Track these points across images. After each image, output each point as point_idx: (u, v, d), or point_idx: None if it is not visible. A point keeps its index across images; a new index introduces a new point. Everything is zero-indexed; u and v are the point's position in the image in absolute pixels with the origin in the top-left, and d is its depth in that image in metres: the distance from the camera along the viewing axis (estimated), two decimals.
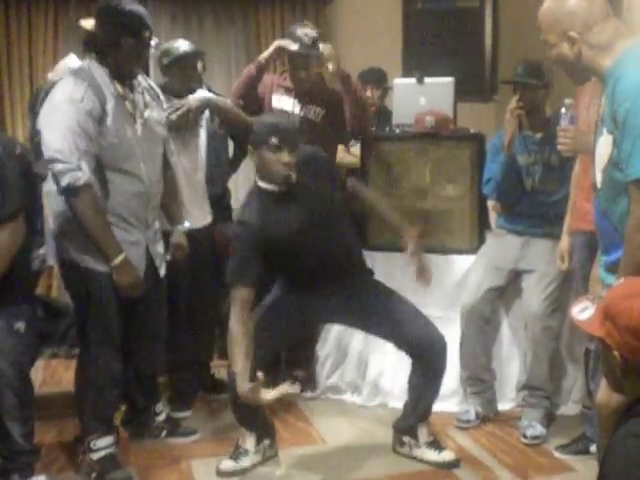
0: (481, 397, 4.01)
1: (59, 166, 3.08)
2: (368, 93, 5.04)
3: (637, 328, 1.83)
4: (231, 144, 4.61)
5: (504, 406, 4.11)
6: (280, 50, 4.19)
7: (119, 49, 3.21)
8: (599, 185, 2.39)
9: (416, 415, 3.58)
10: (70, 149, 3.07)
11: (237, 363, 3.12)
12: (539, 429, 3.75)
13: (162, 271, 3.51)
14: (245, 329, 3.16)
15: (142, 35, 3.25)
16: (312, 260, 3.35)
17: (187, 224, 3.73)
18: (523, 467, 3.48)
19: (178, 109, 3.83)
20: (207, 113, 4.10)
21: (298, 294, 3.47)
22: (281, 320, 3.44)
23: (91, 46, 3.33)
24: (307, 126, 4.20)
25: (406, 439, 3.60)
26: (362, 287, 3.50)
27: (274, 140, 3.20)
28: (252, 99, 4.26)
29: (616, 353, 1.87)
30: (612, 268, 2.39)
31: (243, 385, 3.06)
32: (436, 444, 3.58)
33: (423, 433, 3.57)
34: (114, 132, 3.19)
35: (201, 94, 4.02)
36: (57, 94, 3.19)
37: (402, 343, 3.48)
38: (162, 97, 3.60)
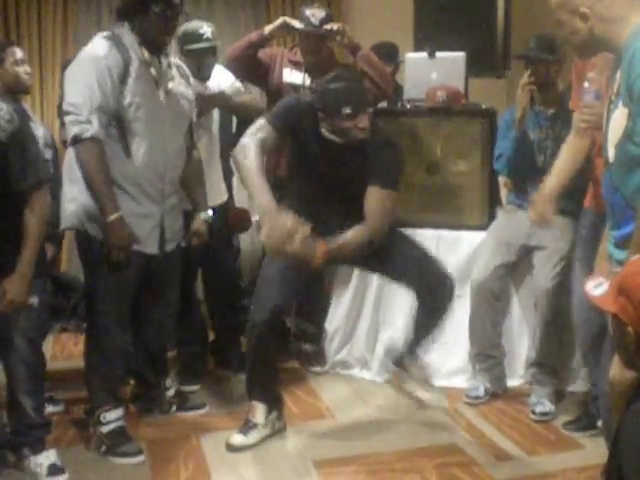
0: (490, 373, 4.00)
1: (70, 117, 3.13)
2: None
3: None
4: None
5: (513, 383, 4.11)
6: (285, 26, 4.17)
7: (148, 15, 3.23)
8: (611, 160, 2.36)
9: (415, 338, 3.64)
10: (84, 102, 3.10)
11: (257, 187, 3.10)
12: (548, 406, 3.75)
13: (170, 246, 3.49)
14: (259, 160, 3.17)
15: (172, 1, 3.25)
16: (326, 195, 3.39)
17: (210, 213, 3.71)
18: (531, 443, 3.48)
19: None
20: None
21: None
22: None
23: (123, 15, 3.32)
24: None
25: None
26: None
27: (348, 110, 3.21)
28: (248, 63, 4.25)
29: (630, 329, 1.86)
30: (622, 243, 2.37)
31: (271, 209, 3.03)
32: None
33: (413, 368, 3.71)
34: (135, 92, 3.20)
35: (217, 81, 4.06)
36: (82, 52, 3.24)
37: (410, 281, 3.49)
38: (191, 79, 3.61)
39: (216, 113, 4.10)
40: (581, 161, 3.30)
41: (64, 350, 4.85)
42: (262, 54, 4.31)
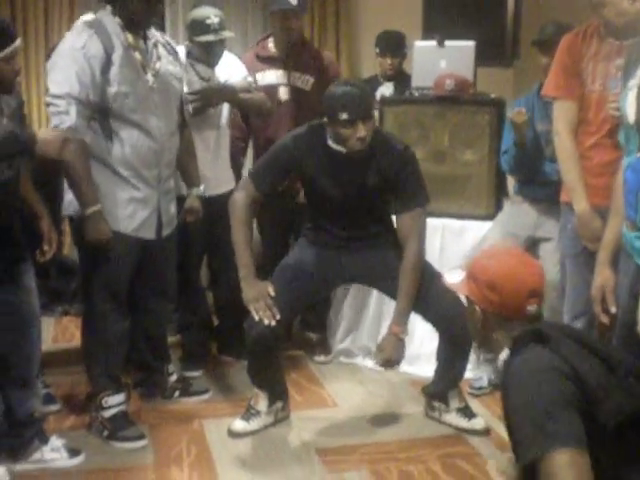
0: (493, 364, 3.98)
1: (50, 108, 3.11)
2: (388, 61, 4.98)
3: (492, 281, 2.14)
4: None
5: None
6: None
7: None
8: None
9: (446, 381, 3.58)
10: (61, 93, 3.07)
11: (238, 253, 3.33)
12: None
13: (166, 231, 3.46)
14: (245, 226, 3.37)
15: None
16: (339, 216, 3.41)
17: (202, 188, 3.68)
18: None
19: (198, 99, 3.81)
20: None
21: (323, 247, 3.47)
22: (304, 275, 3.43)
23: None
24: (297, 96, 4.17)
25: (436, 404, 3.61)
26: (390, 251, 3.46)
27: (344, 116, 3.14)
28: None
29: (477, 307, 2.19)
30: None
31: (250, 284, 3.29)
32: (467, 411, 3.57)
33: (454, 399, 3.57)
34: (120, 81, 3.15)
35: (228, 73, 4.03)
36: (62, 42, 3.21)
37: (427, 315, 3.45)
38: (180, 54, 3.57)
39: (225, 108, 4.05)
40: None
41: (66, 333, 4.83)
42: None
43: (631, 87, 2.54)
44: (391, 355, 3.34)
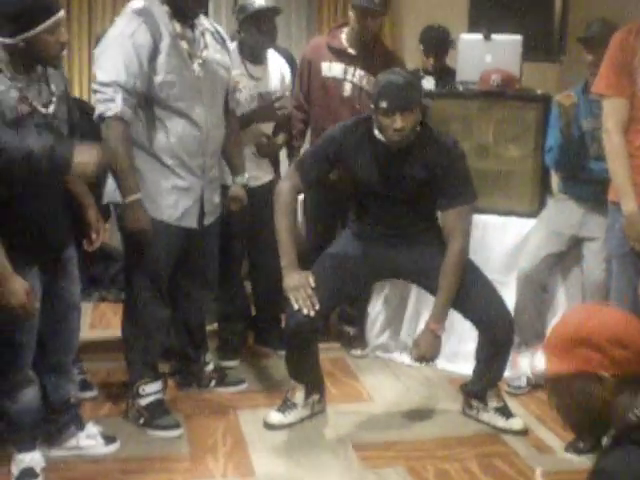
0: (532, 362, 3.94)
1: (97, 96, 3.12)
2: (431, 61, 4.96)
3: (616, 336, 1.73)
4: None
5: None
6: None
7: None
8: None
9: (485, 381, 3.54)
10: (108, 81, 3.07)
11: (281, 244, 3.32)
12: None
13: (208, 220, 3.46)
14: (289, 216, 3.35)
15: None
16: (384, 211, 3.39)
17: (247, 176, 3.67)
18: (572, 436, 3.42)
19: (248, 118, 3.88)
20: None
21: (367, 241, 3.45)
22: (346, 267, 3.41)
23: None
24: (359, 95, 4.13)
25: (475, 403, 3.58)
26: (434, 248, 3.43)
27: (383, 104, 3.13)
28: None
29: (604, 374, 1.73)
30: None
31: (291, 272, 3.27)
32: (505, 410, 3.54)
33: (492, 398, 3.54)
34: (167, 70, 3.15)
35: (280, 71, 4.10)
36: (111, 29, 3.21)
37: (468, 314, 3.42)
38: (228, 42, 3.55)
39: None
40: None
41: (103, 319, 4.86)
42: (308, 52, 4.28)
43: None
44: (427, 351, 3.33)
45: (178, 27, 3.21)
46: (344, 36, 4.20)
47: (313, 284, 3.26)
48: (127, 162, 3.11)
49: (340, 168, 3.49)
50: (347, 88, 4.14)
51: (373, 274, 3.58)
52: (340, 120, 3.98)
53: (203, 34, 3.34)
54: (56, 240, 2.89)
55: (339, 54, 4.18)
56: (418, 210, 3.43)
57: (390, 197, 3.35)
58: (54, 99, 2.80)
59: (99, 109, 3.09)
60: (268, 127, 4.09)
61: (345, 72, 4.15)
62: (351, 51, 4.16)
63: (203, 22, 3.39)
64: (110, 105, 3.07)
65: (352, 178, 3.44)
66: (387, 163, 3.29)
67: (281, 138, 4.22)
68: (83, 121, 3.11)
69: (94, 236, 3.15)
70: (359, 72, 4.13)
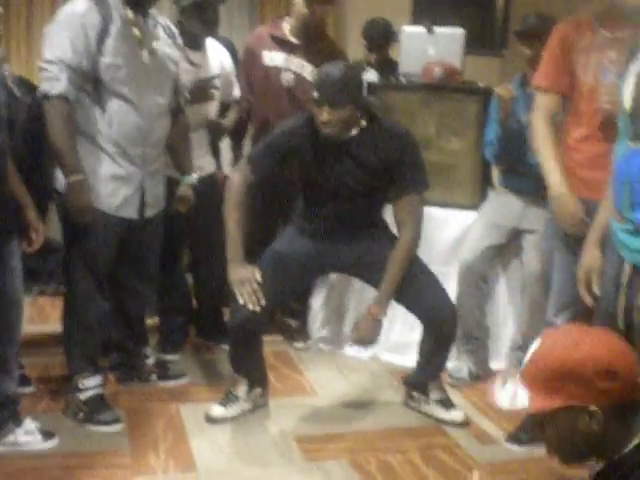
0: (474, 355, 3.97)
1: (42, 73, 3.07)
2: (374, 56, 4.98)
3: (607, 367, 1.66)
4: None
5: (496, 365, 4.08)
6: None
7: None
8: None
9: (427, 374, 3.57)
10: (54, 58, 3.04)
11: (229, 235, 3.29)
12: None
13: (151, 211, 3.41)
14: (238, 209, 3.31)
15: None
16: (331, 207, 3.38)
17: (195, 176, 3.62)
18: (515, 426, 3.45)
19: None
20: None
21: (311, 237, 3.45)
22: (291, 263, 3.40)
23: None
24: (300, 84, 4.11)
25: (416, 394, 3.60)
26: (378, 243, 3.44)
27: (315, 95, 3.16)
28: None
29: (593, 408, 1.66)
30: None
31: (237, 266, 3.25)
32: (446, 402, 3.57)
33: (434, 390, 3.56)
34: (115, 53, 3.11)
35: (219, 60, 4.04)
36: (62, 9, 3.16)
37: (412, 307, 3.43)
38: (179, 39, 3.51)
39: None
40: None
41: (41, 313, 4.77)
42: (251, 42, 4.25)
43: (632, 72, 2.51)
44: (366, 334, 3.33)
45: (130, 14, 3.18)
46: (286, 25, 4.19)
47: (259, 279, 3.24)
48: (70, 142, 3.07)
49: (290, 163, 3.46)
50: (288, 77, 4.13)
51: (318, 269, 3.58)
52: (281, 109, 4.00)
53: (155, 26, 3.32)
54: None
55: (281, 43, 4.16)
56: (364, 206, 3.43)
57: (337, 193, 3.35)
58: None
59: (44, 87, 3.05)
60: (212, 111, 4.05)
61: (286, 61, 4.14)
62: (293, 40, 4.15)
63: (155, 15, 3.35)
64: (55, 84, 3.02)
65: (301, 173, 3.43)
66: (335, 156, 3.29)
67: (229, 119, 4.20)
68: (26, 98, 3.08)
69: (34, 235, 3.08)
70: (301, 62, 4.12)
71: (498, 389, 1.86)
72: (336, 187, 3.34)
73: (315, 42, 4.16)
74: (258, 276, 3.25)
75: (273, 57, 4.16)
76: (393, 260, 3.32)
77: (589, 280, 2.73)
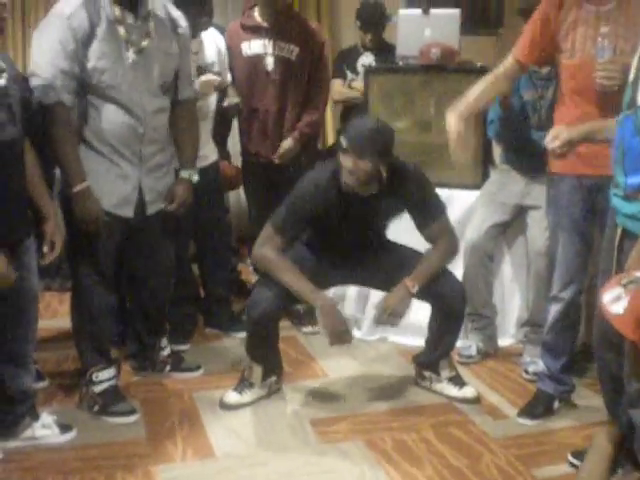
0: (482, 333, 4.01)
1: (35, 81, 3.02)
2: (369, 37, 4.99)
3: None
4: None
5: (504, 342, 4.12)
6: None
7: None
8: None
9: (437, 352, 3.59)
10: (46, 65, 3.01)
11: (297, 283, 3.26)
12: (541, 365, 3.74)
13: (152, 208, 3.37)
14: (291, 269, 3.29)
15: None
16: (343, 239, 3.45)
17: (196, 177, 3.51)
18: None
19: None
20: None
21: (321, 255, 3.49)
22: (304, 265, 3.40)
23: None
24: (282, 66, 4.15)
25: (427, 373, 3.63)
26: (377, 248, 3.52)
27: (343, 142, 3.17)
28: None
29: None
30: (634, 193, 2.35)
31: (323, 298, 3.29)
32: (457, 379, 3.60)
33: (445, 368, 3.59)
34: (99, 56, 3.06)
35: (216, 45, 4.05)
36: (51, 11, 3.12)
37: (421, 294, 3.44)
38: (181, 29, 3.39)
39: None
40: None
41: (48, 309, 4.78)
42: (228, 41, 4.24)
43: None
44: (397, 305, 3.34)
45: (118, 11, 3.11)
46: (256, 13, 4.25)
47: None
48: (71, 150, 3.06)
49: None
50: (268, 61, 4.19)
51: (325, 283, 3.56)
52: (267, 94, 4.04)
53: (146, 20, 3.21)
54: (19, 223, 2.85)
55: (255, 30, 4.21)
56: (372, 235, 3.51)
57: (355, 235, 3.44)
58: (5, 74, 2.74)
59: (39, 96, 3.00)
60: (212, 103, 4.07)
61: (265, 47, 4.19)
62: (265, 25, 4.19)
63: (151, 10, 3.23)
64: (48, 91, 2.99)
65: (318, 223, 3.41)
66: (360, 211, 3.34)
67: (231, 99, 4.22)
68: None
69: (45, 249, 3.00)
70: (278, 43, 4.17)
71: (608, 287, 1.90)
72: (358, 234, 3.43)
73: (286, 23, 4.20)
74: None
75: (251, 45, 4.21)
76: (436, 248, 3.41)
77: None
